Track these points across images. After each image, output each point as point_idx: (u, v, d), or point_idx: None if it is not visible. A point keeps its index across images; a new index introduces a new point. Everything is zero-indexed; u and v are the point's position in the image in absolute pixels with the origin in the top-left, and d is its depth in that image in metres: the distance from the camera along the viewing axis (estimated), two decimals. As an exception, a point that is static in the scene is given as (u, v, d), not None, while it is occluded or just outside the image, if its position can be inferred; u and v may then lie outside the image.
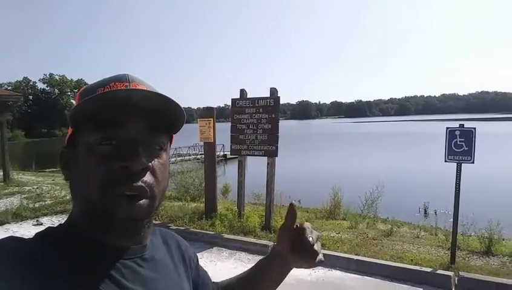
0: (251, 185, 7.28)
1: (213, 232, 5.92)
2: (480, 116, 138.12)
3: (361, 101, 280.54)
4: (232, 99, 6.41)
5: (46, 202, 8.35)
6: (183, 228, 6.13)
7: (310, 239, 0.74)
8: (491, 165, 16.70)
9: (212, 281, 0.90)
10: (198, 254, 0.87)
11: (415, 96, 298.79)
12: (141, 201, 0.59)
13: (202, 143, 6.96)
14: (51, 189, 9.96)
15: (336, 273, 4.61)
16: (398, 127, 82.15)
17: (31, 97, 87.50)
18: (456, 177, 4.47)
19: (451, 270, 4.32)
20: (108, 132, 0.59)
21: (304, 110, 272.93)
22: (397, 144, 38.74)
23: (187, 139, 18.23)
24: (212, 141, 6.47)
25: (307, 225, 0.77)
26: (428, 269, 4.36)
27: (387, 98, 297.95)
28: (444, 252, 4.96)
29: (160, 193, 0.63)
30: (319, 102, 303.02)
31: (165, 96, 0.60)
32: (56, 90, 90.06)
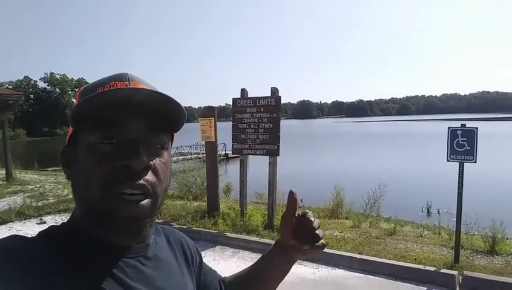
0: (253, 184, 7.27)
1: (216, 231, 5.92)
2: (481, 116, 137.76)
3: (362, 100, 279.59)
4: (233, 98, 6.40)
5: (49, 201, 8.36)
6: (185, 226, 6.13)
7: (312, 219, 0.75)
8: (493, 165, 16.66)
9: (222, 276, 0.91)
10: (201, 253, 0.86)
11: (416, 96, 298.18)
12: (143, 200, 0.59)
13: (203, 142, 6.96)
14: (54, 188, 9.98)
15: (340, 272, 4.60)
16: (400, 127, 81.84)
17: (32, 96, 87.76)
18: (459, 176, 4.44)
19: (455, 270, 4.30)
20: (109, 131, 0.59)
21: (305, 110, 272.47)
22: (399, 144, 38.57)
23: (188, 139, 18.20)
24: (214, 140, 6.47)
25: (308, 212, 0.77)
26: (432, 268, 4.35)
27: (388, 98, 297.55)
28: (448, 251, 4.95)
29: (162, 191, 0.63)
30: (320, 102, 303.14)
31: (165, 95, 0.60)
32: (57, 89, 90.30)
